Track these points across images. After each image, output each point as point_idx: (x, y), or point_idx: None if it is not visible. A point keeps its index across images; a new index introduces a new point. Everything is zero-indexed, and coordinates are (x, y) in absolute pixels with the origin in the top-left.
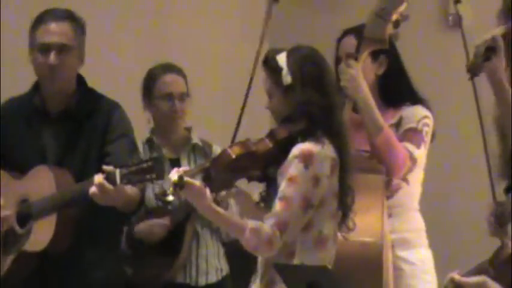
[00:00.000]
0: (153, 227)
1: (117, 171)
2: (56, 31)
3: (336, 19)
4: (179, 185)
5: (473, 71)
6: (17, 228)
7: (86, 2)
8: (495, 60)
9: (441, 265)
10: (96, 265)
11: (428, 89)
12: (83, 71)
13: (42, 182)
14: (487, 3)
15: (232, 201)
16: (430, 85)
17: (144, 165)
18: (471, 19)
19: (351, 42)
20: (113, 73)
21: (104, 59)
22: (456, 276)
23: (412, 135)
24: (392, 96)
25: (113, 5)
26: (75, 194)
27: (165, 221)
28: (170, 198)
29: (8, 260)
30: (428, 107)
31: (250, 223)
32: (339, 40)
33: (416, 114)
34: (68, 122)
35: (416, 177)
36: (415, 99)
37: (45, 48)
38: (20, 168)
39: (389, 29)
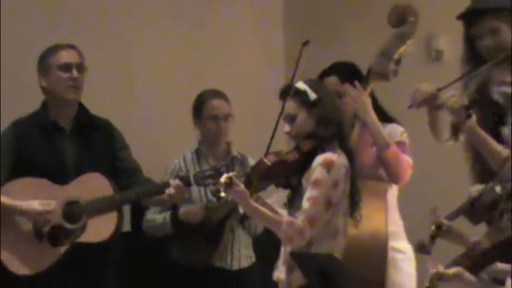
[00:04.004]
0: (194, 210)
1: (191, 176)
2: (73, 53)
3: (335, 54)
4: (229, 184)
5: (457, 128)
6: (67, 224)
7: (135, 35)
8: (473, 118)
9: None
10: None
11: (413, 112)
12: (140, 93)
13: (96, 187)
14: None
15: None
16: (417, 110)
17: (211, 172)
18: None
19: (333, 80)
20: (164, 94)
21: (156, 83)
22: (439, 268)
23: (401, 147)
24: None
25: (165, 39)
26: (138, 195)
27: (201, 210)
28: (223, 194)
29: (60, 251)
30: (400, 123)
31: (286, 218)
32: (321, 79)
33: (396, 130)
34: (80, 134)
35: None
36: (388, 118)
37: (66, 67)
38: (42, 176)
39: (392, 66)
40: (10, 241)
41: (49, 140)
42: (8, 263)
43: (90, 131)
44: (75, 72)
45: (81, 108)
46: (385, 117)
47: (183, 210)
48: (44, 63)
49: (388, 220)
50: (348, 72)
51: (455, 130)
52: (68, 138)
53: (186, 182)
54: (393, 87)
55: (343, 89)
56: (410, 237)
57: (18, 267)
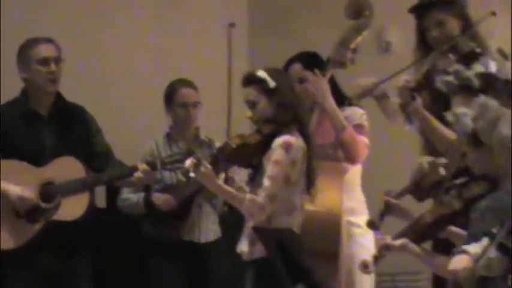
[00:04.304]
0: (165, 200)
1: (158, 161)
2: (51, 47)
3: (298, 44)
4: (197, 165)
5: (404, 109)
6: (42, 203)
7: (108, 29)
8: (418, 100)
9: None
10: None
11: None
12: (116, 82)
13: (70, 169)
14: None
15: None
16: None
17: (177, 157)
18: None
19: (297, 67)
20: (137, 83)
21: (130, 73)
22: (386, 239)
23: (360, 129)
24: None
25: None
26: (109, 178)
27: (173, 199)
28: (192, 174)
29: (35, 227)
30: (361, 107)
31: (248, 195)
32: (287, 67)
33: (356, 113)
34: (57, 120)
35: None
36: (349, 102)
37: (45, 61)
38: (22, 159)
39: (349, 55)
40: None
41: (29, 125)
42: None
43: (66, 117)
44: (53, 66)
45: (58, 96)
46: (343, 103)
47: (156, 197)
48: (24, 56)
49: (348, 197)
50: (310, 60)
51: (402, 111)
52: (46, 124)
53: (152, 166)
54: (348, 74)
55: (306, 75)
56: (372, 213)
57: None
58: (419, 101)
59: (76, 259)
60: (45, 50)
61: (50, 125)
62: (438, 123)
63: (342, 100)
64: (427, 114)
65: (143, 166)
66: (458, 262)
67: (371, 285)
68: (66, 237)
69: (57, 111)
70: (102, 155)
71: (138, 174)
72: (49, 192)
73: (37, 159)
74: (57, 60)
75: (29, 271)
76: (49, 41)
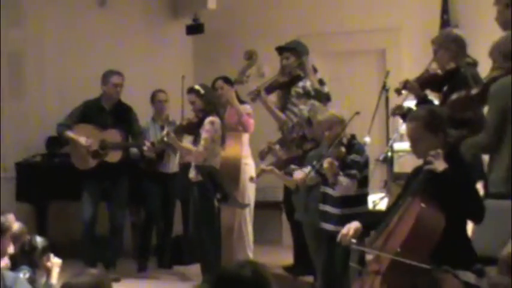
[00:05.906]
0: (149, 151)
1: (156, 141)
2: (120, 77)
3: (224, 69)
4: (168, 135)
5: (254, 100)
6: (100, 150)
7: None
8: (263, 97)
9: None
10: None
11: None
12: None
13: (115, 135)
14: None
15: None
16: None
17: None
18: (269, 73)
19: (219, 82)
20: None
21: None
22: (264, 167)
23: (249, 115)
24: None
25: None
26: (135, 144)
27: (153, 150)
28: (165, 139)
29: (95, 161)
30: (249, 104)
31: (193, 148)
32: (215, 81)
33: (247, 107)
34: (114, 112)
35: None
36: (243, 102)
37: (116, 85)
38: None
39: (246, 78)
40: (77, 153)
41: (99, 113)
42: (75, 163)
43: (120, 111)
44: (119, 88)
45: (119, 100)
46: (242, 102)
47: (146, 150)
48: (106, 79)
49: (244, 150)
50: (227, 80)
51: (252, 101)
52: (108, 114)
53: (152, 143)
54: (244, 89)
55: (224, 87)
56: (255, 157)
57: (79, 165)
58: (264, 98)
59: (117, 181)
60: (117, 79)
61: (110, 115)
62: (276, 109)
63: (240, 101)
64: (269, 104)
65: (148, 143)
66: (299, 175)
67: (253, 191)
68: (112, 169)
69: (115, 108)
70: (135, 133)
71: (145, 147)
72: (104, 145)
73: (101, 129)
74: (122, 85)
75: (91, 184)
76: (119, 73)
